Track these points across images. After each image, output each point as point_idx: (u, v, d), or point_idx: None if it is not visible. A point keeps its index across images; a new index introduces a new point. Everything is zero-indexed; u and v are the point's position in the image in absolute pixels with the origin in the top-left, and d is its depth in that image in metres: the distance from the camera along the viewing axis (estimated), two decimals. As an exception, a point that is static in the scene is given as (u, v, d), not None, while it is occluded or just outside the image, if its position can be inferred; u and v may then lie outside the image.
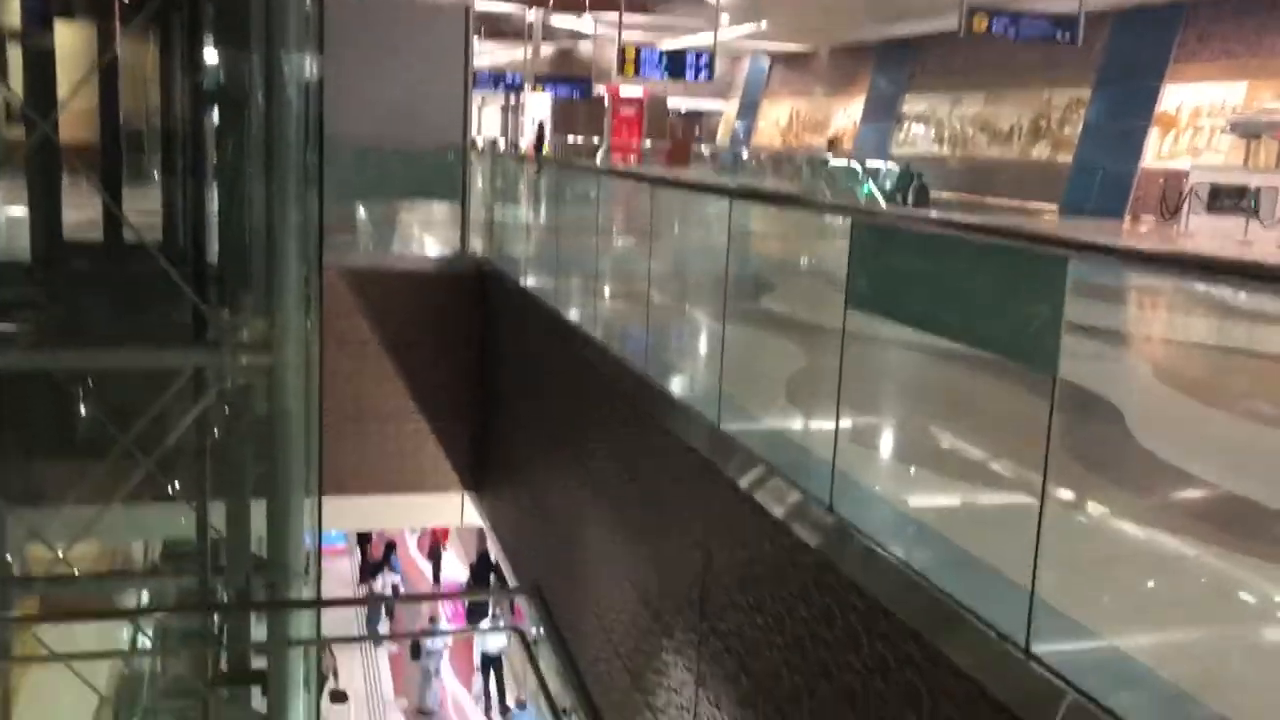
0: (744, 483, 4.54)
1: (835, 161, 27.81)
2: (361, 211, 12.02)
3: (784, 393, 5.70)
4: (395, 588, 18.88)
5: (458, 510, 11.49)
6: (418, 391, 11.03)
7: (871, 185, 26.38)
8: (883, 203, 24.87)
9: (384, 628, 19.11)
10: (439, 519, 12.69)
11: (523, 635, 7.08)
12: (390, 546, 19.83)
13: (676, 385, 5.86)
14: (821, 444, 4.93)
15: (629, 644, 6.17)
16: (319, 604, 7.24)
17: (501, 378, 10.31)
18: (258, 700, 8.57)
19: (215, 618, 8.43)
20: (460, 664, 17.70)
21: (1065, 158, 26.34)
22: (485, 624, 17.13)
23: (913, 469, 5.19)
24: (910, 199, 24.91)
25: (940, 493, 4.66)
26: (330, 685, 14.12)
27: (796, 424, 5.24)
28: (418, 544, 21.99)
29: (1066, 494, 4.17)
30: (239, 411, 7.69)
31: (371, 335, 10.82)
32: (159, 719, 10.21)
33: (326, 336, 10.62)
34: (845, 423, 4.05)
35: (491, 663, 16.86)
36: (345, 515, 11.11)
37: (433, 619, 17.24)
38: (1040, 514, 2.82)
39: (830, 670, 3.84)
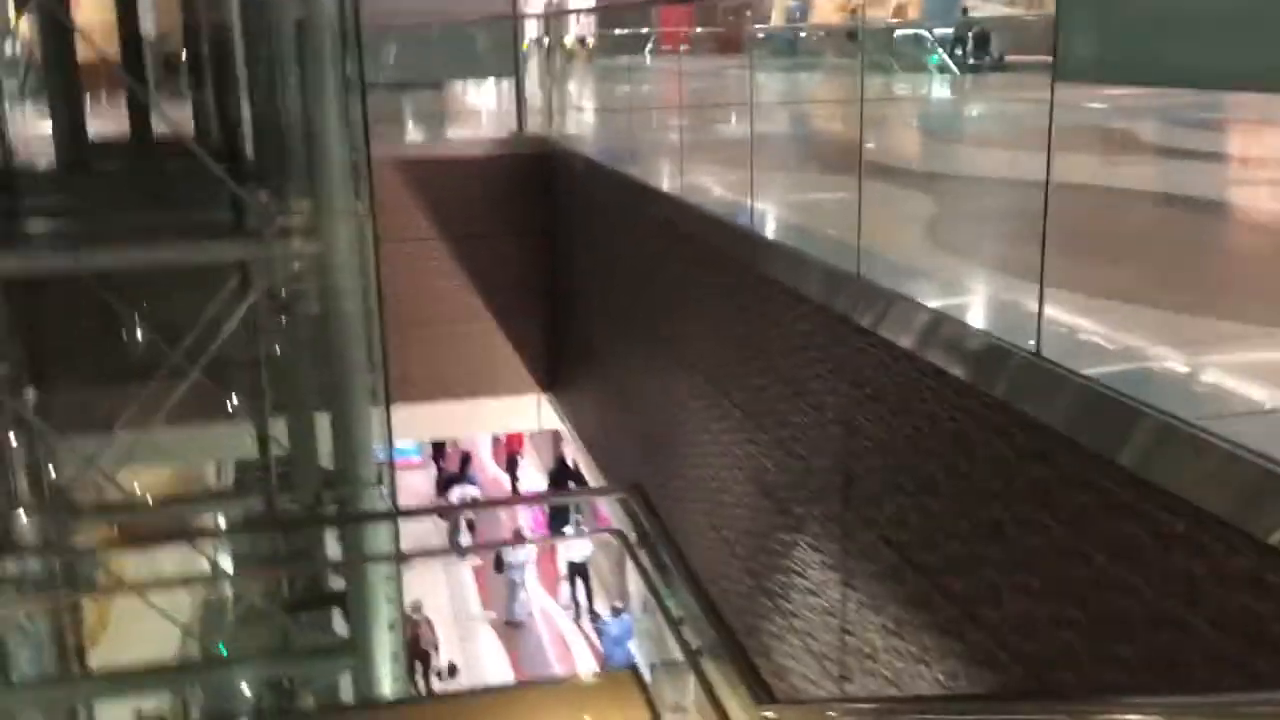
0: (904, 339, 3.66)
1: (901, 32, 26.19)
2: (408, 102, 11.13)
3: (924, 237, 4.77)
4: (474, 500, 18.41)
5: (534, 413, 10.77)
6: (485, 287, 10.25)
7: (941, 53, 24.79)
8: (955, 70, 23.35)
9: (465, 542, 18.72)
10: (515, 423, 12.01)
11: (623, 537, 6.31)
12: (466, 458, 19.34)
13: (800, 240, 4.95)
14: (990, 285, 4.03)
15: (748, 544, 5.38)
16: (395, 515, 6.56)
17: (574, 266, 9.48)
18: (342, 625, 8.03)
19: (286, 539, 7.82)
20: (546, 573, 17.25)
21: None
22: (570, 530, 16.61)
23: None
24: (970, 46, 23.35)
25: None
26: (435, 662, 13.64)
27: (951, 270, 4.32)
28: (493, 454, 21.52)
29: None
30: (293, 315, 6.96)
31: (430, 229, 10.02)
32: (239, 648, 9.76)
33: (383, 234, 9.86)
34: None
35: (578, 570, 16.36)
36: (416, 425, 10.45)
37: (515, 532, 16.75)
38: None
39: (1033, 559, 3.00)
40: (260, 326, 7.16)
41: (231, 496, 9.03)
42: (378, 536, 7.49)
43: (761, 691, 4.63)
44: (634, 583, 14.61)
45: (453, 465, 20.03)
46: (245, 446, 9.05)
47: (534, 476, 20.71)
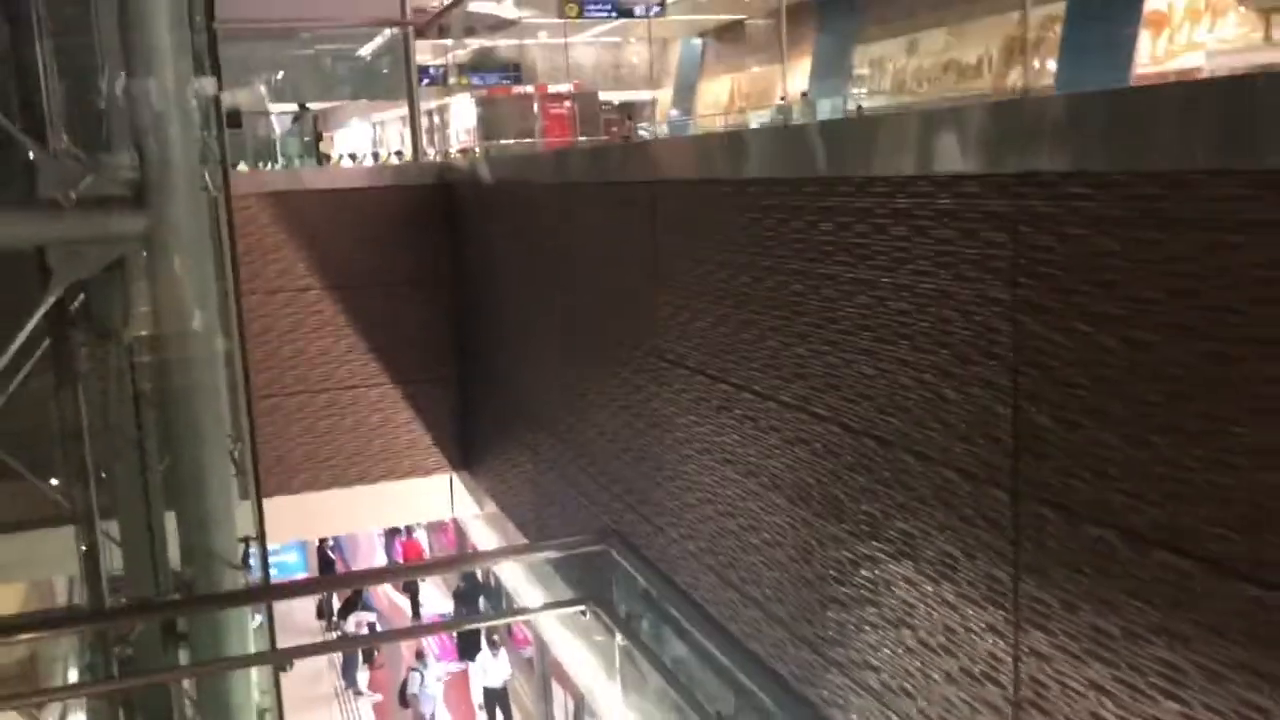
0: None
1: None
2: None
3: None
4: (372, 626, 16.10)
5: (446, 497, 8.88)
6: (378, 347, 8.45)
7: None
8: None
9: (364, 679, 16.35)
10: (423, 512, 10.05)
11: (606, 606, 4.47)
12: (360, 580, 17.06)
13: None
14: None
15: (792, 600, 3.66)
16: (266, 592, 4.60)
17: (487, 308, 7.77)
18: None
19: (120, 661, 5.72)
20: (459, 704, 14.99)
21: (1046, 83, 24.36)
22: (485, 653, 14.44)
23: None
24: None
25: None
26: None
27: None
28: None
29: None
30: (118, 344, 5.09)
31: (309, 278, 8.23)
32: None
33: (253, 285, 8.07)
34: None
35: (496, 699, 14.19)
36: (297, 520, 8.46)
37: (419, 654, 14.52)
38: None
39: None
40: (72, 366, 5.24)
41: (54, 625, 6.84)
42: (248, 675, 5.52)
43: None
44: (566, 698, 12.50)
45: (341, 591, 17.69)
46: (68, 556, 6.94)
47: (438, 600, 18.47)
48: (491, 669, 14.13)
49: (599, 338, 5.44)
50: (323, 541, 17.92)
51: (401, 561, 18.81)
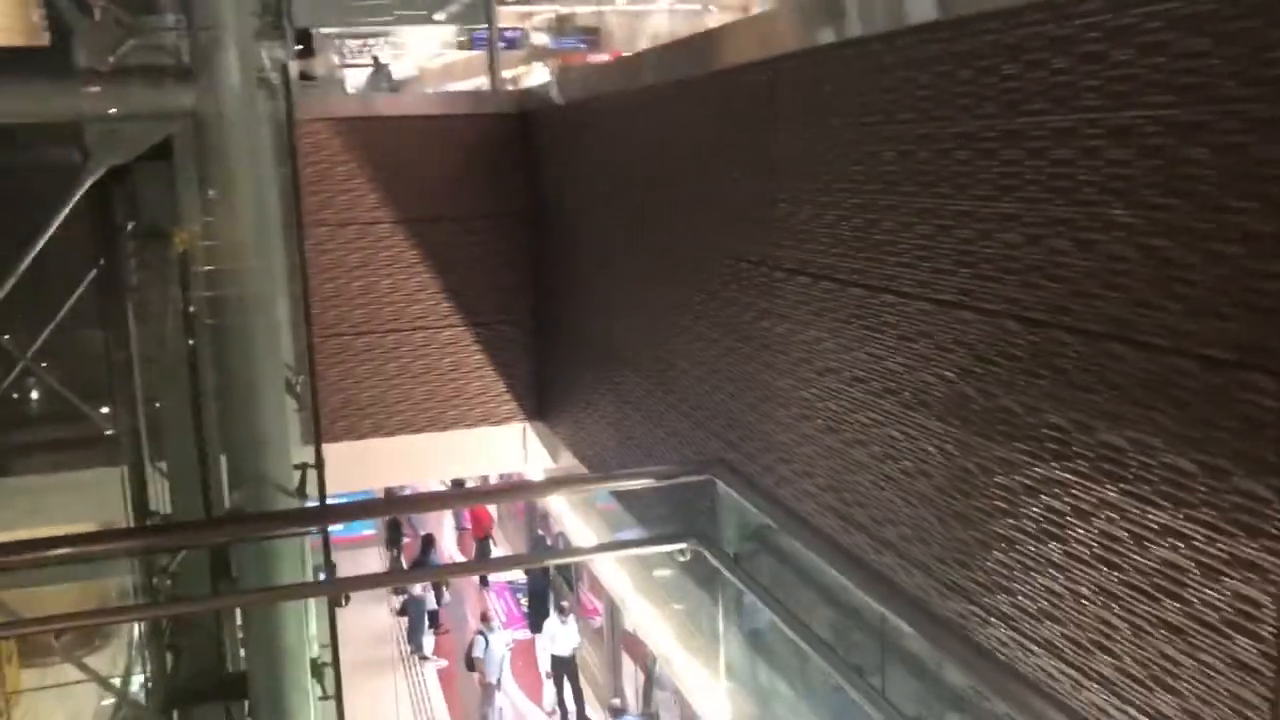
0: None
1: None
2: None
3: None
4: (438, 590, 15.76)
5: (519, 448, 8.37)
6: (451, 285, 7.94)
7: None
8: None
9: (429, 643, 16.02)
10: (495, 463, 9.53)
11: (712, 545, 3.89)
12: (428, 542, 16.71)
13: None
14: None
15: (940, 540, 3.04)
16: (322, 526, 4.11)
17: (571, 244, 7.21)
18: None
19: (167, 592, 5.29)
20: (525, 673, 14.58)
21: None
22: (555, 619, 13.97)
23: None
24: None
25: None
26: None
27: None
28: (458, 542, 18.87)
29: None
30: (163, 246, 4.60)
31: (380, 210, 7.74)
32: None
33: (320, 216, 7.62)
34: None
35: (564, 667, 13.73)
36: (362, 468, 7.99)
37: (484, 618, 14.11)
38: None
39: None
40: (121, 279, 4.77)
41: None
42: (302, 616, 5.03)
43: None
44: (636, 673, 11.93)
45: (412, 552, 17.40)
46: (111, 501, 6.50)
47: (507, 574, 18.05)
48: (560, 636, 13.66)
49: (698, 257, 4.84)
50: (390, 504, 17.60)
51: (469, 527, 18.45)
